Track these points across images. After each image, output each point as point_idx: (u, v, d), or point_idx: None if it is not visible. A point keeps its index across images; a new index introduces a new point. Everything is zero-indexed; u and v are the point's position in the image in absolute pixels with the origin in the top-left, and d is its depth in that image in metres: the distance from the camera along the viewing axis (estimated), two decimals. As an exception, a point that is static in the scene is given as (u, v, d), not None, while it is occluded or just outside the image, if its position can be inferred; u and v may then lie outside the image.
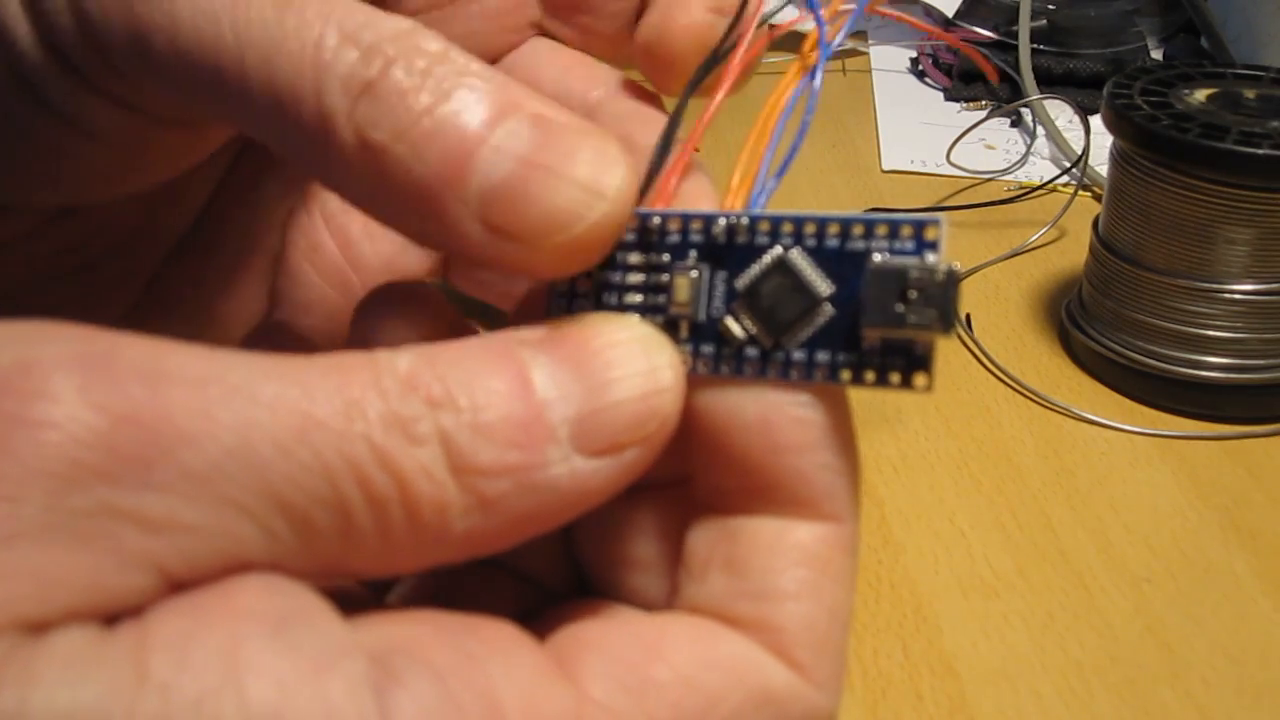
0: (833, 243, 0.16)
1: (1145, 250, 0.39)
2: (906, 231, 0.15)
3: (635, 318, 0.17)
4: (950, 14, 0.71)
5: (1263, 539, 0.34)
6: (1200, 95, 0.40)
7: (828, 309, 0.16)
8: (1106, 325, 0.41)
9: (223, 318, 0.25)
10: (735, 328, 0.16)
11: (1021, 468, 0.36)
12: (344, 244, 0.24)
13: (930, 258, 0.15)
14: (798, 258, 0.16)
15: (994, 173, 0.58)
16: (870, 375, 0.16)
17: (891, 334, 0.15)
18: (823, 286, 0.16)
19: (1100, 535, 0.34)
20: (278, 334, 0.24)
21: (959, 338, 0.43)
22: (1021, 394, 0.40)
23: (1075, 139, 0.57)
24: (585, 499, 0.16)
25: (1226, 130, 0.37)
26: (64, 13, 0.18)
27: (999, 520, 0.34)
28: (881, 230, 0.16)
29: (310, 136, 0.16)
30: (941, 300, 0.15)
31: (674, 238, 0.17)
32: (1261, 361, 0.38)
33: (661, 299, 0.17)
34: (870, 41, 0.75)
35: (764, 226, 0.16)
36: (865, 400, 0.39)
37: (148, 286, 0.24)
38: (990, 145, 0.61)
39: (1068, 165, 0.56)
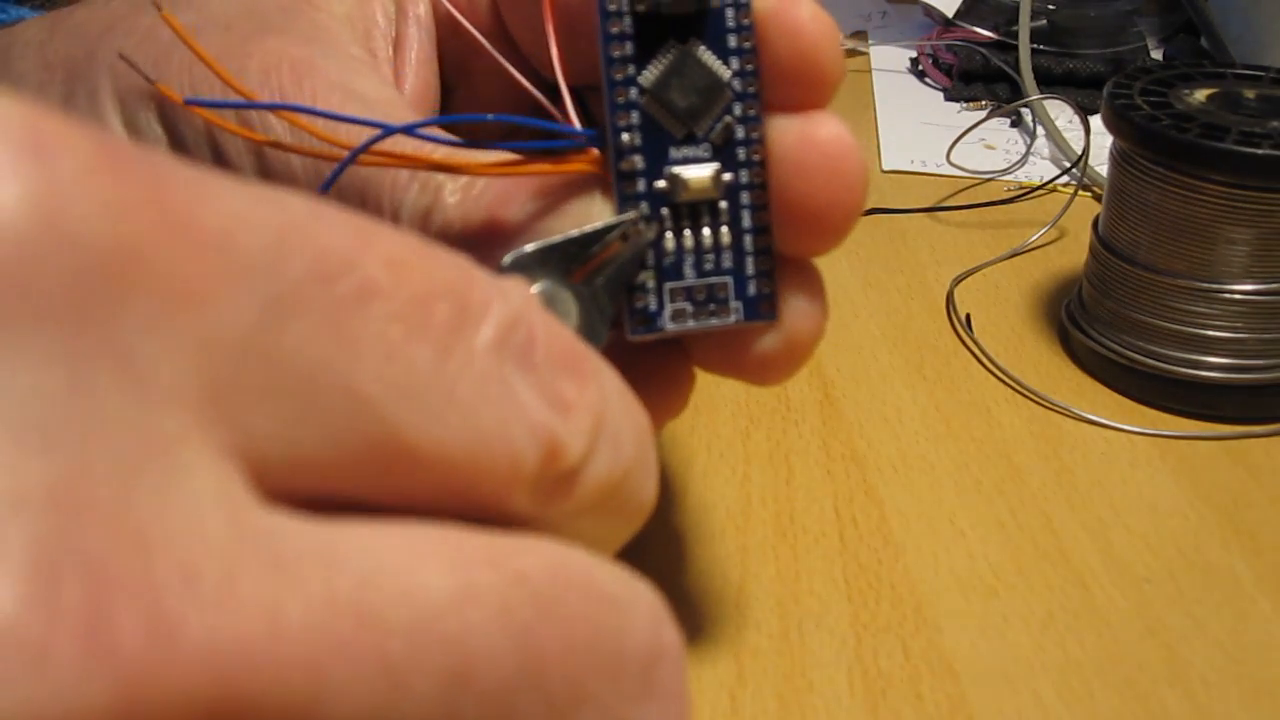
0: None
1: (1145, 250, 0.39)
2: None
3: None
4: (950, 14, 0.71)
5: (1263, 539, 0.34)
6: (1200, 95, 0.40)
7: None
8: (1106, 325, 0.41)
9: None
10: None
11: (1021, 468, 0.36)
12: None
13: None
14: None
15: (994, 173, 0.58)
16: None
17: None
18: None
19: (1100, 535, 0.34)
20: None
21: (959, 337, 0.43)
22: (1021, 394, 0.40)
23: (1075, 139, 0.57)
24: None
25: (1226, 130, 0.37)
26: None
27: (999, 520, 0.34)
28: None
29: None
30: None
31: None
32: (1261, 361, 0.38)
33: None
34: (870, 41, 0.75)
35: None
36: (864, 400, 0.39)
37: None
38: (990, 145, 0.61)
39: (1068, 165, 0.56)
